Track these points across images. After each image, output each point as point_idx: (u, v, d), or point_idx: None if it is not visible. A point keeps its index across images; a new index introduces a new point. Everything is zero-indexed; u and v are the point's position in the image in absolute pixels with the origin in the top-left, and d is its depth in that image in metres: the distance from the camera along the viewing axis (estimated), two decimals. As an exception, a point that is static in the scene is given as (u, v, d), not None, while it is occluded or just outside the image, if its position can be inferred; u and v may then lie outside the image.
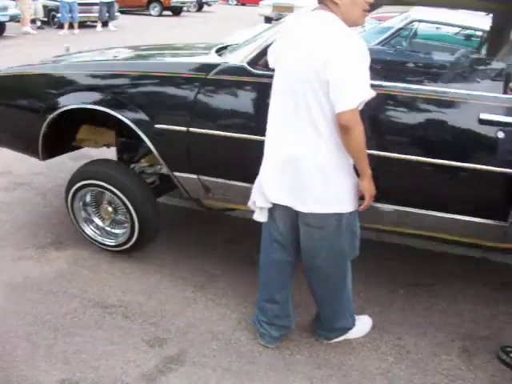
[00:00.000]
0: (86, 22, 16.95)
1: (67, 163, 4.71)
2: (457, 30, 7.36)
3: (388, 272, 3.40)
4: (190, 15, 24.67)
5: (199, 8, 27.37)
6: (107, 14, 16.73)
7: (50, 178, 4.71)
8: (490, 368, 2.63)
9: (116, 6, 17.14)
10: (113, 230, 3.45)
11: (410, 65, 4.25)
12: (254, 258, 3.18)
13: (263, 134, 2.44)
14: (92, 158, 3.59)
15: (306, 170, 2.29)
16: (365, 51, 2.15)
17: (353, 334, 2.77)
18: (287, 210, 2.43)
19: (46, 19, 16.80)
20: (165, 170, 3.16)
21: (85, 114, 3.19)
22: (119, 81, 3.07)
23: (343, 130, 2.17)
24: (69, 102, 3.13)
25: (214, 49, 3.31)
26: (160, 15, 22.80)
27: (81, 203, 3.41)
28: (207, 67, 2.90)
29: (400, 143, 2.66)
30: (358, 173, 2.35)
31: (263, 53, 2.68)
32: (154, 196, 3.33)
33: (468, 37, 6.85)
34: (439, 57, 4.62)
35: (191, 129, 2.88)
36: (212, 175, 3.00)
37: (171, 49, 3.97)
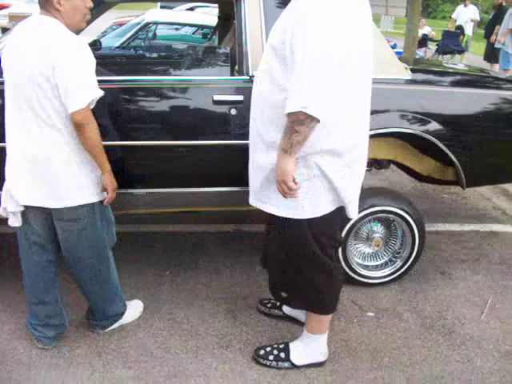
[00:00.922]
0: None
1: None
2: (193, 29, 7.92)
3: (152, 258, 3.59)
4: None
5: None
6: None
7: None
8: (254, 321, 2.97)
9: None
10: None
11: (150, 61, 4.50)
12: (16, 272, 3.13)
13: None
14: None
15: (53, 168, 2.38)
16: (89, 53, 2.32)
17: (126, 318, 2.90)
18: (40, 210, 2.47)
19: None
20: None
21: None
22: None
23: (77, 128, 2.31)
24: None
25: None
26: None
27: None
28: None
29: (145, 131, 2.86)
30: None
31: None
32: None
33: (204, 35, 7.40)
34: (173, 52, 4.96)
35: None
36: None
37: None
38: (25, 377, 2.53)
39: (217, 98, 2.84)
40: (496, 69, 9.99)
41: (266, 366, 2.61)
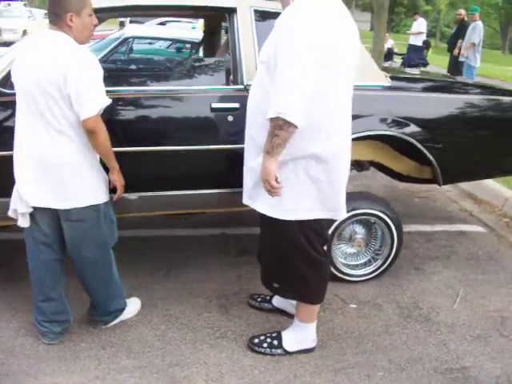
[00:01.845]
0: None
1: None
2: (168, 43, 8.16)
3: (144, 260, 3.79)
4: None
5: None
6: None
7: None
8: (245, 314, 3.19)
9: None
10: None
11: (146, 72, 4.74)
12: (16, 274, 3.38)
13: None
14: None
15: (62, 172, 2.57)
16: (98, 64, 2.55)
17: (126, 314, 3.08)
18: (47, 211, 2.66)
19: None
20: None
21: None
22: None
23: (89, 134, 2.53)
24: None
25: None
26: None
27: None
28: None
29: (145, 137, 3.09)
30: (106, 168, 2.72)
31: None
32: None
33: (179, 49, 7.65)
34: (167, 63, 5.21)
35: None
36: None
37: None
38: (35, 369, 2.69)
39: (214, 105, 3.09)
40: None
41: (260, 353, 2.82)
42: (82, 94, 2.44)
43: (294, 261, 2.64)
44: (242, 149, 2.66)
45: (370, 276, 3.58)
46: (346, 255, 3.56)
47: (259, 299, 3.23)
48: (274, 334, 2.87)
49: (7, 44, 17.28)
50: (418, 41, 13.77)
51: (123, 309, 3.04)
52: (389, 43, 15.36)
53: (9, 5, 23.41)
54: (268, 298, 3.21)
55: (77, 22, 2.50)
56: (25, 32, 19.70)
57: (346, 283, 3.52)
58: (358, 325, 3.11)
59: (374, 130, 3.29)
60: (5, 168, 2.69)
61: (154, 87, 3.29)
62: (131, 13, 4.93)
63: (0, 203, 2.89)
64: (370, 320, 3.16)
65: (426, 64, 13.11)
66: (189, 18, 11.00)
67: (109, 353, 2.81)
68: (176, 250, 3.96)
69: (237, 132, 2.97)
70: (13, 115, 2.72)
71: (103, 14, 3.13)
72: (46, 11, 3.10)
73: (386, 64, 13.52)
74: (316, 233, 2.63)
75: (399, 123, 3.33)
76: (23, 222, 2.70)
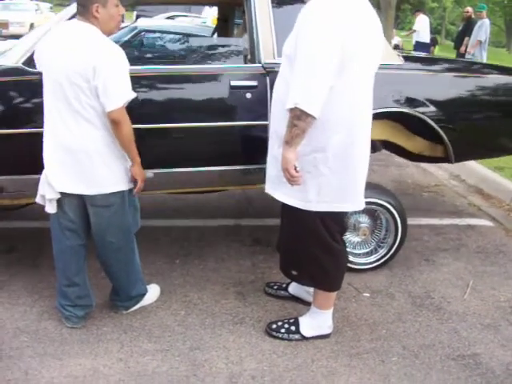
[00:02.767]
0: None
1: None
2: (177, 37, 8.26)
3: (160, 249, 3.87)
4: None
5: None
6: None
7: None
8: (262, 301, 3.27)
9: None
10: None
11: (170, 54, 4.96)
12: (36, 261, 3.49)
13: None
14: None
15: (88, 158, 2.66)
16: (125, 57, 2.62)
17: (146, 300, 3.17)
18: (74, 197, 2.75)
19: None
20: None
21: None
22: None
23: (114, 125, 2.61)
24: None
25: None
26: None
27: None
28: None
29: (166, 114, 3.22)
30: None
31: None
32: None
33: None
34: (189, 44, 5.41)
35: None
36: (3, 173, 3.08)
37: None
38: (59, 351, 2.77)
39: (234, 83, 3.22)
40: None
41: (278, 338, 2.91)
42: (108, 87, 2.52)
43: (312, 248, 2.72)
44: (260, 125, 2.76)
45: (375, 264, 3.66)
46: (352, 244, 3.64)
47: (275, 287, 3.32)
48: (291, 320, 2.96)
49: (16, 37, 17.37)
50: (425, 38, 13.80)
51: (144, 294, 3.13)
52: (395, 40, 15.42)
53: (16, -2, 23.47)
54: (284, 285, 3.30)
55: (103, 12, 2.57)
56: (32, 25, 19.74)
57: (359, 274, 3.60)
58: (371, 313, 3.20)
59: (388, 108, 3.39)
60: (33, 146, 2.80)
61: (174, 66, 3.44)
62: (146, 1, 5.20)
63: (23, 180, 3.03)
64: (383, 308, 3.25)
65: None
66: (203, 4, 11.04)
67: (131, 336, 2.90)
68: (190, 239, 4.05)
69: (254, 109, 3.08)
70: (39, 94, 2.78)
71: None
72: (52, 5, 3.18)
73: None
74: (335, 222, 2.71)
75: (412, 101, 3.43)
76: (50, 208, 2.78)
